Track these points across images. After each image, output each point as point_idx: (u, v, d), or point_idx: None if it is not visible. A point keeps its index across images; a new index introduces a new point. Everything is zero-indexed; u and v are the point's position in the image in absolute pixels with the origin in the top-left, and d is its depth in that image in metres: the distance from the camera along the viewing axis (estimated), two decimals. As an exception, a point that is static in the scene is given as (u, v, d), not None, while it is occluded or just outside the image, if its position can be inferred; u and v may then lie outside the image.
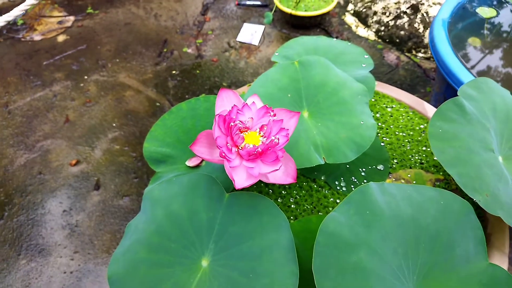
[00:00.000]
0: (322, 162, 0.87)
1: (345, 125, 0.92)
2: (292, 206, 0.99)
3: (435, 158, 1.10)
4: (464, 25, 1.52)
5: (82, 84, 2.04)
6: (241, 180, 0.68)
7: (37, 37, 2.29)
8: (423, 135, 1.15)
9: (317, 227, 0.76)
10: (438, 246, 0.70)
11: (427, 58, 2.11)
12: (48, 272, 1.38)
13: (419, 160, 1.10)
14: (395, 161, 1.10)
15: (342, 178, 1.06)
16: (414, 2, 2.14)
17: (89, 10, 2.48)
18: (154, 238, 0.76)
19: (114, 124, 1.84)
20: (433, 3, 2.10)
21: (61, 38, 2.30)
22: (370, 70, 1.14)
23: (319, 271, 0.65)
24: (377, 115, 1.20)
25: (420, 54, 2.13)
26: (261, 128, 0.72)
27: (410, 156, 1.10)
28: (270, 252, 0.72)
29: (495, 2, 1.57)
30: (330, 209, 0.97)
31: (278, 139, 0.68)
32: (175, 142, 1.01)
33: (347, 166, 1.08)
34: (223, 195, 0.77)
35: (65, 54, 2.20)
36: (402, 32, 2.14)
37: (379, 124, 1.18)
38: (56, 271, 1.38)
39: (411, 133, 1.16)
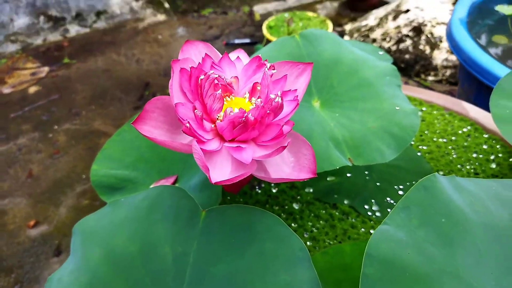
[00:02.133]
0: (349, 164, 0.58)
1: (373, 112, 0.65)
2: (308, 243, 0.68)
3: (492, 166, 0.81)
4: (484, 23, 1.32)
5: (51, 135, 1.79)
6: (221, 172, 0.39)
7: (6, 90, 2.08)
8: (469, 139, 0.87)
9: (354, 261, 0.46)
10: None
11: (439, 81, 1.89)
12: None
13: (472, 170, 0.81)
14: (441, 173, 0.81)
15: (373, 201, 0.76)
16: (416, 25, 1.97)
17: (66, 60, 2.31)
18: (84, 297, 0.45)
19: (83, 176, 1.55)
20: (437, 23, 1.93)
21: (32, 89, 2.09)
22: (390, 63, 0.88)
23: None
24: (405, 120, 0.93)
25: (430, 78, 1.91)
26: (252, 91, 0.44)
27: (458, 166, 0.82)
28: (281, 306, 0.41)
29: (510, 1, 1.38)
30: (364, 244, 0.66)
31: (281, 99, 0.40)
32: (137, 162, 0.72)
33: (377, 184, 0.79)
34: (198, 213, 0.47)
35: (35, 105, 1.97)
36: (407, 56, 1.95)
37: (410, 130, 0.90)
38: None
39: (454, 138, 0.88)
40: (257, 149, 0.41)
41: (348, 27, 2.41)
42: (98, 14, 2.61)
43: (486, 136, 0.88)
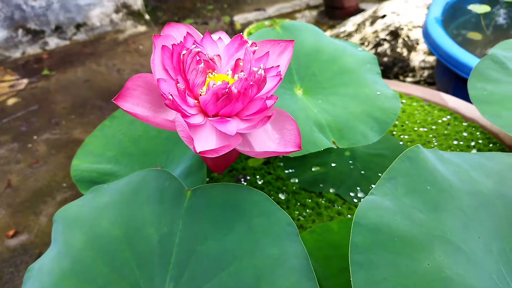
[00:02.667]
0: (333, 146, 0.58)
1: (355, 97, 0.66)
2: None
3: (473, 152, 0.83)
4: (459, 22, 1.36)
5: (30, 145, 1.75)
6: (205, 143, 0.39)
7: (-17, 103, 2.03)
8: (449, 127, 0.89)
9: (342, 239, 0.46)
10: None
11: (417, 82, 1.93)
12: None
13: (453, 157, 0.82)
14: (423, 160, 0.82)
15: (358, 188, 0.77)
16: (393, 29, 2.02)
17: (45, 72, 2.28)
18: (66, 283, 0.44)
19: (64, 184, 1.52)
20: (413, 27, 1.98)
21: (11, 101, 2.05)
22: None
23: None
24: (386, 112, 0.94)
25: (408, 79, 1.95)
26: (235, 68, 0.44)
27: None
28: (272, 280, 0.41)
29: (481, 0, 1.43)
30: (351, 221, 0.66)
31: (264, 71, 0.40)
32: (119, 156, 0.71)
33: (362, 172, 0.79)
34: (183, 193, 0.46)
35: (14, 117, 1.93)
36: (385, 59, 1.99)
37: (391, 121, 0.92)
38: None
39: (434, 127, 0.90)
40: (241, 122, 0.41)
41: (327, 33, 2.45)
42: (78, 26, 2.59)
43: (465, 124, 0.90)
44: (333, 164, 0.82)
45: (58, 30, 2.54)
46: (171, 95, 0.38)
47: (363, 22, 2.22)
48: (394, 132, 0.90)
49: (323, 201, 0.74)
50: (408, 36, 1.98)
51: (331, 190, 0.76)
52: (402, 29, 2.01)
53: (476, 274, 0.38)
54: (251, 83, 0.39)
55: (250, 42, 0.44)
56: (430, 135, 0.88)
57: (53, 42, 2.54)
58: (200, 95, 0.41)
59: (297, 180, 0.78)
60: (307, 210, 0.72)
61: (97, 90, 2.07)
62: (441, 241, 0.39)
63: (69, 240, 0.46)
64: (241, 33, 0.54)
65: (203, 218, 0.45)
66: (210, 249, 0.43)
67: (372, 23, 2.15)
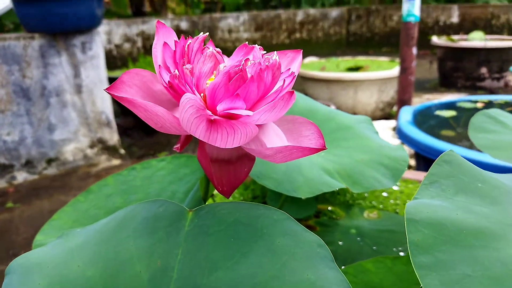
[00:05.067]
0: (343, 186, 0.52)
1: (359, 148, 0.62)
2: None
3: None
4: (429, 124, 1.44)
5: (-22, 280, 1.51)
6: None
7: None
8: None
9: (383, 280, 0.37)
10: None
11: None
12: None
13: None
14: (436, 232, 0.74)
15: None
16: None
17: (9, 205, 2.13)
18: None
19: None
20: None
21: (-36, 236, 1.85)
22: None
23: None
24: (384, 194, 0.89)
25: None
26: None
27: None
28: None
29: (448, 107, 1.55)
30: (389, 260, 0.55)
31: (278, 58, 0.37)
32: (94, 230, 0.60)
33: (374, 248, 0.71)
34: (182, 215, 0.37)
35: (-36, 252, 1.71)
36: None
37: (391, 201, 0.87)
38: None
39: (437, 203, 0.84)
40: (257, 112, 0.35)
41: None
42: (49, 161, 2.56)
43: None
44: (340, 243, 0.72)
45: (28, 164, 2.49)
46: (176, 70, 0.33)
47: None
48: (397, 210, 0.83)
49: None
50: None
51: (342, 267, 0.65)
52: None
53: None
54: (267, 64, 0.35)
55: (258, 47, 0.41)
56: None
57: (22, 176, 2.46)
58: (208, 83, 0.36)
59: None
60: None
61: (63, 219, 1.92)
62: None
63: (27, 285, 0.34)
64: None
65: (210, 242, 0.35)
66: (221, 281, 0.32)
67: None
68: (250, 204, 0.37)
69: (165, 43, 0.38)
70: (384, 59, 3.59)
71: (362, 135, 0.65)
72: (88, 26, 2.47)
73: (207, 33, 0.37)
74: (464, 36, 4.09)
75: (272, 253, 0.33)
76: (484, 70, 3.70)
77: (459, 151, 1.10)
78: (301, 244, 0.34)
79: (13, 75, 2.32)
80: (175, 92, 0.35)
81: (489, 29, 5.54)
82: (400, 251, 0.70)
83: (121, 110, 3.80)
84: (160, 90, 0.39)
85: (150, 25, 5.48)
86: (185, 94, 0.32)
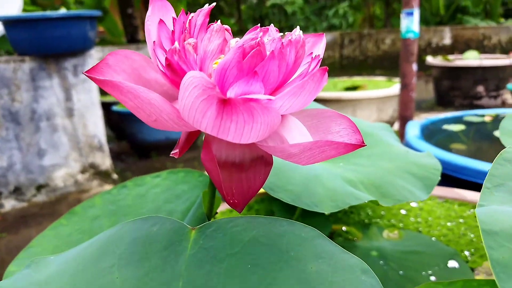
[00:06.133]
0: (372, 198, 0.44)
1: (383, 155, 0.54)
2: None
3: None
4: (438, 138, 1.38)
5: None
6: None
7: None
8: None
9: None
10: None
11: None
12: None
13: (499, 249, 0.67)
14: (467, 253, 0.67)
15: (401, 291, 0.58)
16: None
17: (-6, 235, 2.01)
18: None
19: None
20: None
21: None
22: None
23: None
24: (402, 212, 0.81)
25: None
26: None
27: (482, 243, 0.68)
28: None
29: (455, 121, 1.49)
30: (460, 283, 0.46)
31: (302, 34, 0.30)
32: (77, 259, 0.51)
33: (400, 273, 0.63)
34: (183, 236, 0.29)
35: None
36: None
37: (412, 219, 0.79)
38: None
39: (462, 220, 0.77)
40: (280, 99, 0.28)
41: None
42: (39, 188, 2.45)
43: (495, 215, 0.78)
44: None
45: (17, 191, 2.38)
46: (177, 42, 0.25)
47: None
48: (420, 229, 0.75)
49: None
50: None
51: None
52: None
53: None
54: (290, 39, 0.28)
55: (274, 29, 0.34)
56: (462, 228, 0.74)
57: (9, 204, 2.34)
58: (216, 62, 0.28)
59: None
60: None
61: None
62: None
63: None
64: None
65: (220, 271, 0.26)
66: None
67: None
68: (270, 219, 0.29)
69: (161, 21, 0.31)
70: (381, 78, 3.57)
71: (385, 142, 0.57)
72: (80, 48, 2.41)
73: (214, 3, 0.30)
74: (459, 56, 4.10)
75: (304, 283, 0.25)
76: (481, 88, 3.68)
77: (477, 164, 1.03)
78: (340, 270, 0.26)
79: (2, 99, 2.24)
80: (174, 74, 0.27)
81: (482, 49, 5.59)
82: (430, 275, 0.62)
83: (115, 134, 3.72)
84: (154, 79, 0.32)
85: (144, 51, 5.47)
86: (188, 72, 0.24)
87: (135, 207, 0.56)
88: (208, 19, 0.30)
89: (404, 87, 2.03)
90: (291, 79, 0.31)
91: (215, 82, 0.27)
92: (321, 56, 0.34)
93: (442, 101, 4.01)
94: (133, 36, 6.37)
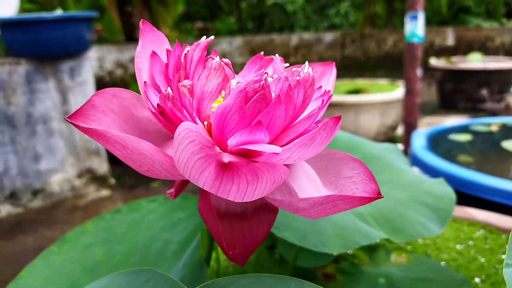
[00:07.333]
0: (384, 236, 0.41)
1: (394, 183, 0.51)
2: None
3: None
4: (445, 148, 1.34)
5: None
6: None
7: None
8: (489, 241, 0.73)
9: None
10: None
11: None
12: None
13: None
14: (478, 280, 0.63)
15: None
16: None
17: (-12, 242, 1.98)
18: None
19: None
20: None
21: None
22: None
23: None
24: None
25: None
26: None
27: (493, 269, 0.65)
28: None
29: (462, 131, 1.46)
30: None
31: (311, 70, 0.26)
32: (65, 294, 0.48)
33: None
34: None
35: None
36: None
37: (420, 241, 0.75)
38: None
39: (471, 242, 0.74)
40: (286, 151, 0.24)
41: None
42: (35, 193, 2.42)
43: (504, 236, 0.75)
44: (366, 295, 0.60)
45: (13, 197, 2.34)
46: (170, 88, 0.22)
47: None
48: (429, 251, 0.72)
49: None
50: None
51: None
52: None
53: None
54: (297, 79, 0.24)
55: (278, 58, 0.31)
56: (472, 251, 0.71)
57: (5, 209, 2.31)
58: (214, 107, 0.25)
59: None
60: None
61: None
62: None
63: None
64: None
65: None
66: None
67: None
68: (276, 279, 0.26)
69: (153, 53, 0.27)
70: (384, 81, 3.53)
71: (395, 167, 0.54)
72: (76, 50, 2.38)
73: (212, 37, 0.27)
74: (462, 58, 4.07)
75: None
76: (484, 91, 3.65)
77: (487, 180, 0.99)
78: None
79: (-3, 103, 2.20)
80: (167, 120, 0.24)
81: (485, 51, 5.55)
82: (442, 306, 0.58)
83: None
84: (146, 118, 0.28)
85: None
86: (183, 123, 0.21)
87: (129, 235, 0.53)
88: (205, 53, 0.27)
89: (409, 93, 1.99)
90: (298, 119, 0.27)
91: (214, 127, 0.24)
92: (332, 92, 0.31)
93: (445, 104, 3.97)
94: (131, 34, 6.33)
